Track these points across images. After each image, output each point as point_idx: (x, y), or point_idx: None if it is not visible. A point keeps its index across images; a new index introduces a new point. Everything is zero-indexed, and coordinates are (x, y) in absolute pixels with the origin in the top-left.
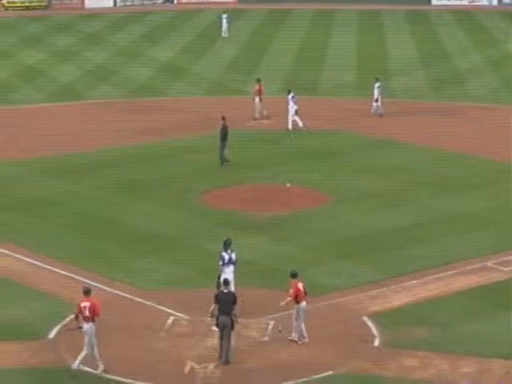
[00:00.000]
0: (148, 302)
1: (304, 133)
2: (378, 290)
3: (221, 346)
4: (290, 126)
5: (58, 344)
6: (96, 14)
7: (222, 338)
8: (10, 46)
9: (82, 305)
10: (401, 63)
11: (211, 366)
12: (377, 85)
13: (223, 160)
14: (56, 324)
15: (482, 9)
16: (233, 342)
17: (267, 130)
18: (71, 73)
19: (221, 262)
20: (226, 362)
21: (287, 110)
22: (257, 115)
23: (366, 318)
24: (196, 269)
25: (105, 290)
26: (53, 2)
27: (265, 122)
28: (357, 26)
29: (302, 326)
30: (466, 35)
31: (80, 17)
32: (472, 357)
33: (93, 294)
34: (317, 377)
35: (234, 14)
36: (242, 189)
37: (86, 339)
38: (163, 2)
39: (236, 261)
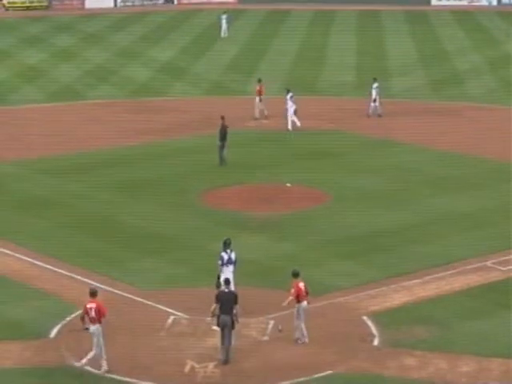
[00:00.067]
0: (148, 302)
1: (304, 133)
2: (377, 290)
3: (222, 345)
4: (289, 127)
5: (59, 343)
6: (96, 15)
7: (223, 337)
8: (10, 46)
9: (88, 306)
10: (400, 63)
11: (211, 366)
12: (375, 85)
13: (220, 160)
14: (57, 323)
15: (482, 9)
16: (233, 341)
17: (267, 130)
18: (72, 73)
19: (220, 262)
20: (226, 362)
21: (285, 110)
22: (257, 115)
23: (365, 318)
24: (196, 269)
25: (105, 289)
26: (53, 3)
27: (265, 122)
28: (356, 26)
29: (302, 325)
30: (466, 35)
31: (80, 17)
32: (471, 356)
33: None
34: (316, 376)
35: (234, 15)
36: (242, 189)
37: (95, 340)
38: (163, 3)
39: (236, 261)
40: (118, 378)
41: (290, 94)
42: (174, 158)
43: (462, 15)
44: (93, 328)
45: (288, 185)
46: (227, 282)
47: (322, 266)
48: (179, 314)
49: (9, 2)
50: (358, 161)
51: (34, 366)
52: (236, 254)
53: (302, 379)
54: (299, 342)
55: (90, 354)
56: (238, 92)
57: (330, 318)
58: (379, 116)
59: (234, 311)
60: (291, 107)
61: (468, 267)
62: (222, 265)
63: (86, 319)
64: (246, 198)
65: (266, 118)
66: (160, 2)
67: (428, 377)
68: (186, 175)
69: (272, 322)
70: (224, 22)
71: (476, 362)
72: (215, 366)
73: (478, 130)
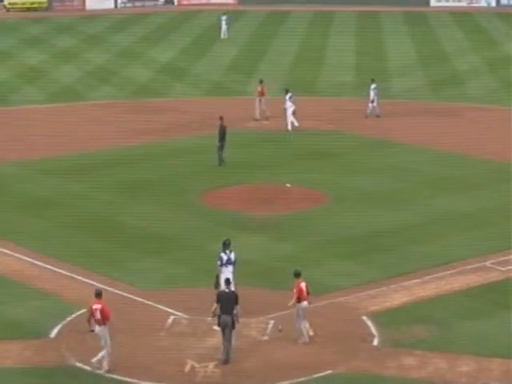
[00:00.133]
0: (148, 302)
1: (303, 133)
2: (377, 290)
3: (223, 345)
4: (289, 127)
5: (59, 343)
6: (97, 16)
7: (223, 337)
8: (11, 47)
9: (94, 307)
10: (399, 64)
11: (211, 365)
12: (373, 86)
13: (220, 160)
14: (57, 323)
15: (480, 10)
16: (234, 341)
17: (267, 131)
18: (72, 74)
19: (219, 263)
20: (226, 362)
21: (284, 110)
22: (257, 116)
23: (365, 318)
24: (196, 269)
25: (105, 289)
26: (54, 4)
27: (265, 122)
28: (355, 27)
29: (306, 324)
30: (465, 36)
31: (81, 18)
32: (471, 356)
33: (93, 294)
34: (316, 376)
35: (234, 16)
36: (242, 189)
37: (102, 341)
38: (164, 4)
39: (235, 261)
40: (118, 377)
41: (289, 95)
42: (174, 159)
43: (461, 16)
44: (98, 329)
45: (288, 185)
46: (228, 282)
47: (321, 266)
48: (179, 313)
49: (10, 3)
50: (357, 161)
51: (34, 365)
52: (235, 255)
53: (301, 379)
54: (299, 341)
55: (100, 355)
56: (238, 93)
57: (329, 318)
58: (377, 116)
59: (235, 311)
60: (290, 107)
61: (468, 267)
62: (221, 265)
63: (92, 321)
64: (245, 198)
65: (267, 118)
66: (160, 3)
67: (428, 376)
68: (186, 175)
69: (272, 322)
70: (224, 23)
71: (476, 362)
72: (215, 366)
73: (478, 130)
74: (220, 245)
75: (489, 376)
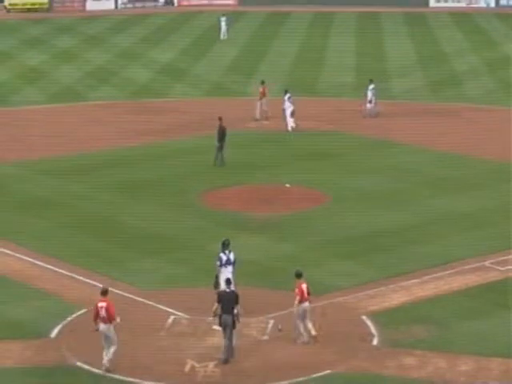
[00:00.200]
0: (148, 302)
1: (303, 134)
2: (376, 290)
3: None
4: (289, 127)
5: (60, 343)
6: (97, 16)
7: (225, 336)
8: (11, 48)
9: (99, 305)
10: (399, 65)
11: (211, 365)
12: (371, 86)
13: (220, 161)
14: (58, 323)
15: (480, 11)
16: (235, 340)
17: (267, 131)
18: (72, 74)
19: (218, 263)
20: (226, 361)
21: (283, 110)
22: (257, 116)
23: (364, 317)
24: (196, 269)
25: None
26: (54, 5)
27: (265, 122)
28: (355, 27)
29: (302, 326)
30: (464, 37)
31: (81, 19)
32: (470, 355)
33: (93, 294)
34: (316, 375)
35: (234, 16)
36: (242, 189)
37: (106, 340)
38: (164, 5)
39: (235, 261)
40: (119, 377)
41: (288, 95)
42: (174, 159)
43: (460, 17)
44: (103, 327)
45: (287, 185)
46: (228, 281)
47: (321, 266)
48: (179, 313)
49: (10, 4)
50: (357, 161)
51: (35, 365)
52: (235, 255)
53: (301, 378)
54: (298, 341)
55: (111, 351)
56: (238, 93)
57: (329, 318)
58: (376, 116)
59: (235, 311)
60: (289, 108)
61: (466, 267)
62: (221, 265)
63: (98, 319)
64: (245, 198)
65: (267, 118)
66: (160, 4)
67: (427, 376)
68: (185, 176)
69: (272, 322)
70: (223, 24)
71: (475, 362)
72: (215, 366)
73: (477, 130)
74: (219, 245)
75: (488, 375)
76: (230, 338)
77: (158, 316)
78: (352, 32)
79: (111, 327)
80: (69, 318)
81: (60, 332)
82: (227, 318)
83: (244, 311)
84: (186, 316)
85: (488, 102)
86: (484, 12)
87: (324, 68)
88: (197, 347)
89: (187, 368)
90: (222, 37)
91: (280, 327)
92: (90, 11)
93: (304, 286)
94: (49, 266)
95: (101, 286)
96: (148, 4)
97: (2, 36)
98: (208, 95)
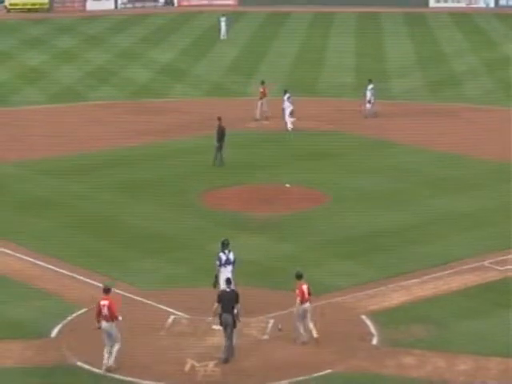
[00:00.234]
0: (148, 302)
1: (303, 134)
2: (376, 289)
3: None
4: (289, 127)
5: (60, 343)
6: (97, 16)
7: (225, 335)
8: (12, 48)
9: (102, 303)
10: (398, 65)
11: (211, 365)
12: (370, 86)
13: (220, 161)
14: (58, 323)
15: (479, 11)
16: (235, 340)
17: (267, 131)
18: (73, 74)
19: (217, 263)
20: (226, 361)
21: (282, 110)
22: (258, 116)
23: (364, 317)
24: (196, 268)
25: None
26: (55, 5)
27: (265, 122)
28: (355, 28)
29: (302, 326)
30: (463, 37)
31: (81, 19)
32: (469, 355)
33: (93, 294)
34: (316, 375)
35: (234, 17)
36: (241, 189)
37: (108, 338)
38: (164, 5)
39: (234, 261)
40: (119, 377)
41: (287, 95)
42: (174, 159)
43: (459, 17)
44: (105, 325)
45: (287, 185)
46: (228, 281)
47: (321, 266)
48: (179, 313)
49: (11, 4)
50: (357, 161)
51: (35, 365)
52: (235, 255)
53: (301, 378)
54: (297, 341)
55: (115, 349)
56: (238, 93)
57: (329, 318)
58: (375, 117)
59: (236, 310)
60: (288, 108)
61: (465, 267)
62: (220, 265)
63: (101, 317)
64: (245, 198)
65: (267, 118)
66: (160, 4)
67: (426, 375)
68: (186, 176)
69: (272, 322)
70: (223, 24)
71: (474, 361)
72: (215, 365)
73: (476, 130)
74: (219, 245)
75: (487, 375)
76: (230, 338)
77: (158, 316)
78: (352, 32)
79: (113, 325)
80: (69, 318)
81: (60, 332)
82: (227, 318)
83: (244, 311)
84: (186, 316)
85: (487, 103)
86: (483, 12)
87: (324, 68)
88: (197, 347)
89: (187, 367)
90: (221, 37)
91: (280, 327)
92: (90, 11)
93: (304, 287)
94: (49, 266)
95: (101, 285)
96: (148, 4)
97: (2, 36)
98: (208, 95)
